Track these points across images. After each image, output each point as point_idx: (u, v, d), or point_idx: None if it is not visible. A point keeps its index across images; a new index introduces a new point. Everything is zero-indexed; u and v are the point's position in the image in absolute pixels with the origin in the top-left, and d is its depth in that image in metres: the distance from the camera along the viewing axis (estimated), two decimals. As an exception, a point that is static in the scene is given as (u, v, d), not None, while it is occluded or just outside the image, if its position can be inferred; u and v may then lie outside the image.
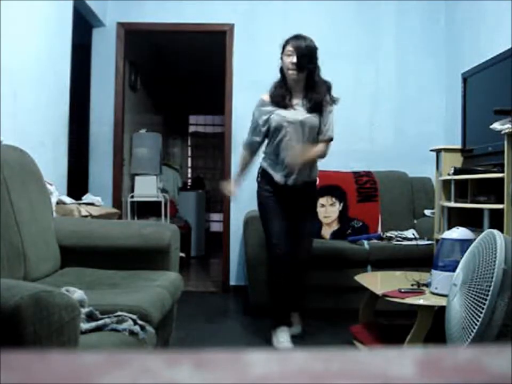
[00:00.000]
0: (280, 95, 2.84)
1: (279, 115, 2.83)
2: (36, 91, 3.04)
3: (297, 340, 2.93)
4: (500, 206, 2.49)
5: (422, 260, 3.27)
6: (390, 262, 3.41)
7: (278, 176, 2.89)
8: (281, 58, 2.84)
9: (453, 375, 0.29)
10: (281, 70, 2.87)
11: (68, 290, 1.53)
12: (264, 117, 2.87)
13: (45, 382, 0.28)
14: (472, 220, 2.92)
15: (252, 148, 3.01)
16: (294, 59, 2.76)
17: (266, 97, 2.90)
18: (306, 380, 0.29)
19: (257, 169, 3.04)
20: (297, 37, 2.83)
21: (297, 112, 2.84)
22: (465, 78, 3.38)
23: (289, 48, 2.79)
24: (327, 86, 2.88)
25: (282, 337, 2.85)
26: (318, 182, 3.12)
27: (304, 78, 2.83)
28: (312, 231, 3.15)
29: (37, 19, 3.06)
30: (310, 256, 3.06)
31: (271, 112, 2.85)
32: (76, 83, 3.82)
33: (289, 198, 2.92)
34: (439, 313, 2.30)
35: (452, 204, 3.13)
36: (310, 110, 2.84)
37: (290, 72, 2.80)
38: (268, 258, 3.04)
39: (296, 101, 2.86)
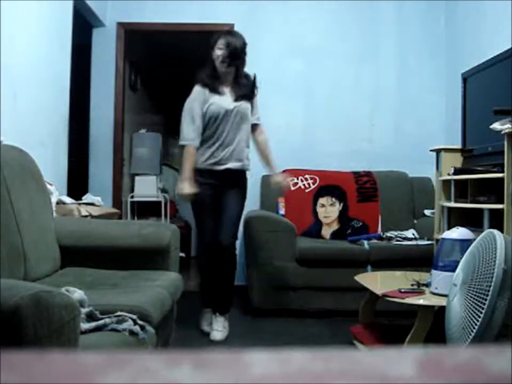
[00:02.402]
0: (214, 82, 3.02)
1: (216, 104, 2.98)
2: (36, 91, 3.04)
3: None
4: (499, 206, 2.49)
5: (422, 259, 3.27)
6: (390, 262, 3.41)
7: (206, 163, 2.99)
8: (213, 50, 3.00)
9: (453, 375, 0.29)
10: (212, 62, 3.01)
11: (67, 290, 1.53)
12: (203, 108, 2.98)
13: (45, 382, 0.28)
14: (472, 220, 2.92)
15: (196, 145, 3.01)
16: (226, 53, 2.95)
17: (199, 87, 3.03)
18: (306, 380, 0.29)
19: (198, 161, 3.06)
20: (230, 33, 3.11)
21: (230, 99, 3.02)
22: (465, 78, 3.38)
23: (222, 42, 2.98)
24: (253, 78, 3.10)
25: (208, 320, 3.13)
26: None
27: (233, 70, 3.03)
28: (238, 211, 3.09)
29: (37, 19, 3.05)
30: (234, 241, 3.07)
31: (207, 101, 2.98)
32: (76, 83, 3.82)
33: (218, 184, 3.01)
34: (439, 313, 2.30)
35: (452, 204, 3.13)
36: (241, 98, 3.03)
37: (220, 64, 2.99)
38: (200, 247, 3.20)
39: (227, 90, 3.04)
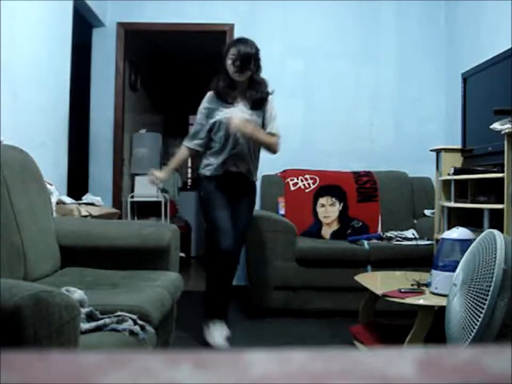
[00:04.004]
0: (225, 93, 3.00)
1: (225, 114, 2.95)
2: (36, 91, 3.04)
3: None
4: (499, 206, 2.49)
5: (422, 259, 3.27)
6: (390, 262, 3.41)
7: (218, 168, 2.98)
8: (225, 60, 2.97)
9: (453, 375, 0.29)
10: (226, 71, 2.98)
11: (68, 290, 1.53)
12: (211, 117, 2.99)
13: (45, 382, 0.28)
14: (472, 220, 2.92)
15: (194, 148, 3.07)
16: (237, 62, 2.92)
17: (212, 94, 3.04)
18: (306, 380, 0.29)
19: (201, 166, 3.07)
20: (240, 41, 3.02)
21: (241, 110, 2.98)
22: (465, 78, 3.38)
23: (233, 51, 2.95)
24: (265, 84, 3.05)
25: (217, 330, 2.92)
26: (257, 184, 3.20)
27: (247, 78, 2.99)
28: (246, 224, 3.13)
29: (37, 19, 3.05)
30: (239, 252, 3.08)
31: (217, 109, 2.99)
32: (76, 83, 3.82)
33: (228, 189, 2.99)
34: (439, 313, 2.30)
35: (452, 204, 3.13)
36: (253, 107, 3.00)
37: (234, 74, 2.96)
38: (210, 251, 3.08)
39: (240, 99, 3.01)
